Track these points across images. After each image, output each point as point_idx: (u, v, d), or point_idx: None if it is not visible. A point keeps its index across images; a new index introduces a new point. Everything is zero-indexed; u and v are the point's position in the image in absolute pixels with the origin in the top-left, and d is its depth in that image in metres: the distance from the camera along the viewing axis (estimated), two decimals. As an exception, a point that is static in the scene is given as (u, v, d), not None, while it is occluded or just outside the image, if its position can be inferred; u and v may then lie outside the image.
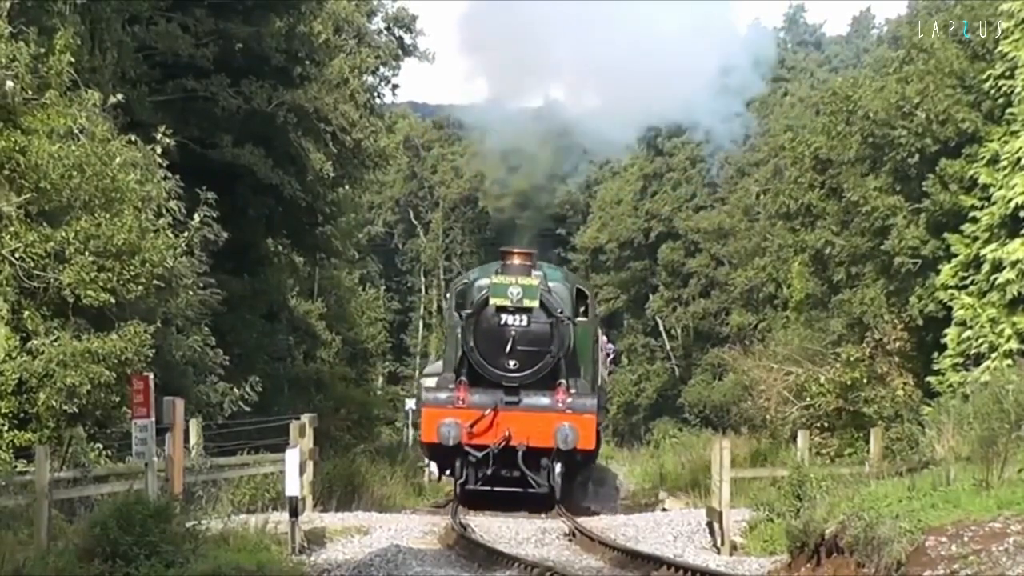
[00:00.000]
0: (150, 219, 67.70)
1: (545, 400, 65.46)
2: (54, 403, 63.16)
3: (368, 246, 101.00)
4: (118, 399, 63.71)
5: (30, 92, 67.19)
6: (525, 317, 64.86)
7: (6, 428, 64.08)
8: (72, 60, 69.29)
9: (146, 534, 44.23)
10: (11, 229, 64.44)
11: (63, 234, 64.69)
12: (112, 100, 70.43)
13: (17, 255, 64.58)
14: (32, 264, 64.56)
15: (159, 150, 70.66)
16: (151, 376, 59.89)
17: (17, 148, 65.14)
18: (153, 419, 57.15)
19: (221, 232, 75.93)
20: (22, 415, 64.36)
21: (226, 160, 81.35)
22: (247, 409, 75.66)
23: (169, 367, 66.10)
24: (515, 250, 70.32)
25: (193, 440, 61.64)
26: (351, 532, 51.34)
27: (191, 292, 72.56)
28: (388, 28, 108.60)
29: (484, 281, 76.50)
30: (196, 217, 72.69)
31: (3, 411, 63.90)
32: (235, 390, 76.76)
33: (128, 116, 69.44)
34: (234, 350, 77.66)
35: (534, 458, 60.72)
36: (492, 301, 64.16)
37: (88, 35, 70.80)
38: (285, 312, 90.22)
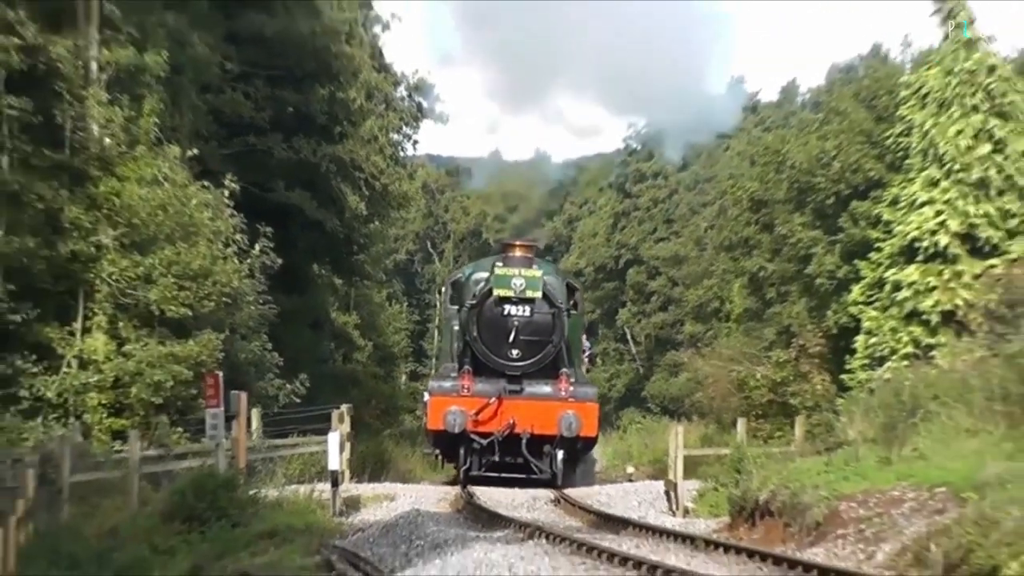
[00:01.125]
0: (220, 249, 68.32)
1: (548, 389, 60.61)
2: (144, 396, 63.88)
3: (393, 270, 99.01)
4: (195, 392, 64.33)
5: (123, 146, 67.84)
6: (528, 307, 60.24)
7: (105, 415, 65.17)
8: (157, 121, 69.81)
9: (216, 500, 44.66)
10: (109, 257, 65.13)
11: (150, 261, 65.29)
12: (189, 153, 71.43)
13: (113, 277, 65.15)
14: (125, 285, 65.16)
15: (226, 193, 71.42)
16: (220, 374, 60.33)
17: (113, 192, 65.76)
18: (222, 408, 57.61)
19: (276, 259, 76.88)
20: (118, 405, 65.35)
21: (280, 201, 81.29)
22: (297, 400, 76.75)
23: (235, 367, 66.46)
24: (517, 243, 65.21)
25: (254, 425, 62.03)
26: (380, 499, 52.22)
27: (252, 307, 73.31)
28: (410, 95, 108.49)
29: (481, 274, 70.05)
30: (256, 247, 73.60)
31: (103, 402, 65.23)
32: (287, 385, 78.35)
33: (201, 166, 69.96)
34: (286, 353, 77.99)
35: (537, 445, 56.22)
36: (496, 292, 59.19)
37: (169, 101, 71.37)
38: (327, 323, 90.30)
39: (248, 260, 72.26)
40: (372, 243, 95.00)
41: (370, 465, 68.02)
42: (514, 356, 51.25)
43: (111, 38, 69.16)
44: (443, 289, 68.43)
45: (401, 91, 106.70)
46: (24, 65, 62.97)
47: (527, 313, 52.33)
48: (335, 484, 52.83)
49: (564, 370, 58.09)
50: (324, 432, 59.92)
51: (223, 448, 55.58)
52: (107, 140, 67.23)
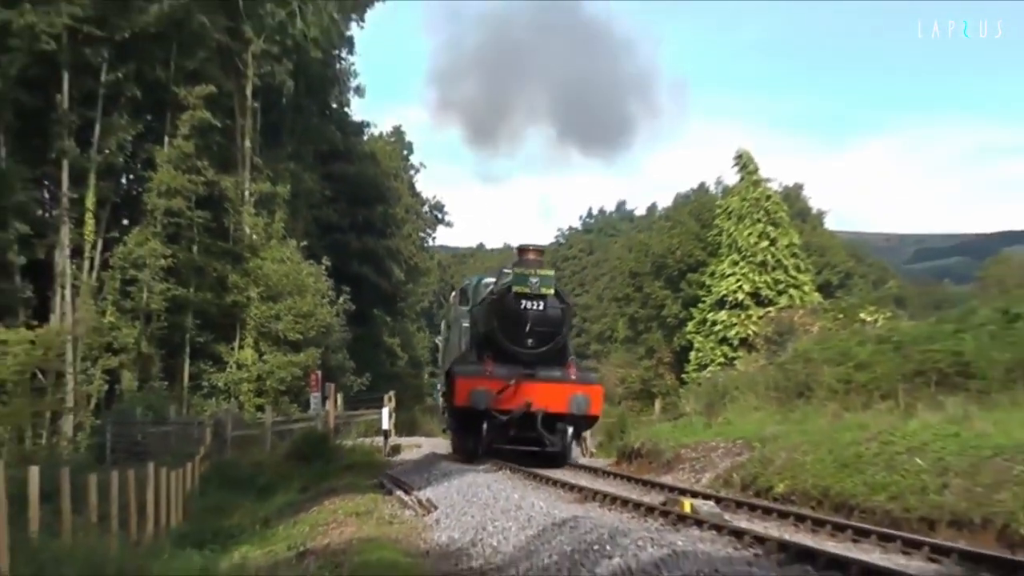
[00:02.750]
0: (319, 299, 68.45)
1: (558, 373, 46.96)
2: (273, 385, 64.79)
3: (420, 312, 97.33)
4: (303, 384, 63.87)
5: (263, 240, 68.39)
6: (541, 303, 46.45)
7: (251, 397, 65.26)
8: (283, 225, 70.54)
9: (317, 447, 45.54)
10: (254, 304, 65.89)
11: (279, 306, 66.11)
12: (301, 244, 71.44)
13: (257, 316, 66.02)
14: (263, 320, 65.80)
15: (323, 267, 71.03)
16: (319, 373, 61.00)
17: (257, 267, 66.71)
18: (320, 393, 58.34)
19: (352, 306, 75.36)
20: (259, 391, 65.40)
21: (354, 272, 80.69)
22: (364, 388, 74.91)
23: (327, 369, 66.99)
24: (531, 247, 50.35)
25: (338, 403, 62.32)
26: (412, 447, 52.97)
27: (337, 334, 73.11)
28: (430, 210, 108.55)
29: (488, 279, 54.09)
30: (340, 299, 72.63)
31: (250, 389, 65.41)
32: (358, 380, 76.96)
33: (309, 251, 70.58)
34: (357, 361, 78.22)
35: (550, 422, 44.84)
36: (515, 288, 45.66)
37: (290, 214, 72.16)
38: (381, 343, 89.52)
39: (335, 306, 71.77)
40: (408, 296, 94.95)
41: (405, 427, 66.96)
42: (529, 345, 43.08)
43: (256, 176, 69.91)
44: (452, 296, 55.99)
45: (426, 208, 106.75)
46: (206, 192, 63.77)
47: (541, 307, 43.80)
48: (385, 437, 53.52)
49: (571, 358, 47.64)
50: (380, 407, 60.39)
51: (320, 417, 56.32)
52: (254, 236, 68.15)
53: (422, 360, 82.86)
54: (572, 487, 28.77)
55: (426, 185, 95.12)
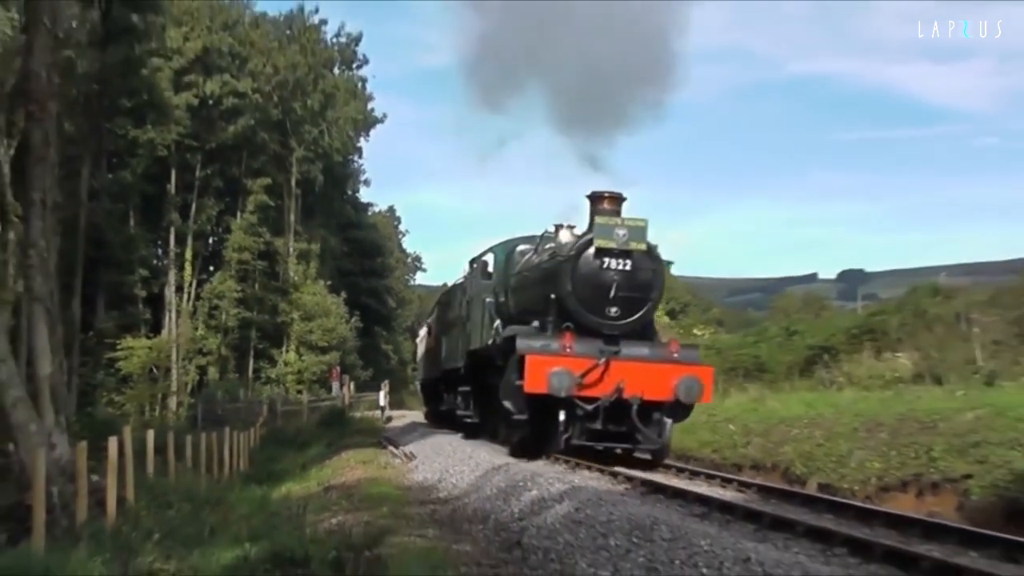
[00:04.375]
0: (338, 320, 68.11)
1: (651, 350, 24.12)
2: (308, 377, 64.99)
3: (405, 329, 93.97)
4: (328, 375, 64.23)
5: (301, 281, 68.76)
6: (629, 261, 23.59)
7: (294, 384, 64.27)
8: (315, 270, 70.69)
9: (337, 418, 45.59)
10: (296, 322, 65.90)
11: (312, 324, 66.03)
12: (327, 283, 71.16)
13: (297, 331, 66.12)
14: (302, 334, 66.02)
15: (342, 298, 70.82)
16: (338, 368, 62.04)
17: (299, 298, 67.06)
18: (339, 382, 59.29)
19: (360, 324, 74.75)
20: (299, 380, 64.82)
21: (364, 302, 79.67)
22: (368, 379, 73.52)
23: (345, 365, 66.82)
24: (606, 193, 24.80)
25: (352, 389, 62.17)
26: (400, 417, 51.39)
27: (351, 343, 72.48)
28: (412, 261, 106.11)
29: (526, 246, 28.99)
30: (353, 320, 72.06)
31: (292, 380, 64.80)
32: (365, 372, 76.05)
33: (332, 288, 69.81)
34: (364, 361, 77.46)
35: (646, 413, 23.24)
36: (597, 242, 23.28)
37: (320, 262, 71.70)
38: (380, 349, 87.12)
39: (349, 324, 71.27)
40: (398, 318, 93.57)
41: (395, 405, 64.73)
42: (612, 314, 23.80)
43: (298, 238, 70.02)
44: (465, 273, 35.35)
45: (409, 259, 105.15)
46: (264, 249, 64.32)
47: (628, 267, 23.86)
48: (382, 411, 53.65)
49: (659, 330, 29.51)
50: (378, 391, 60.70)
51: (340, 398, 57.19)
52: (295, 278, 68.52)
53: (407, 360, 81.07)
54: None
55: (409, 243, 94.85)
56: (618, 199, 21.59)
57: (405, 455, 27.22)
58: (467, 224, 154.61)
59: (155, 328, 58.35)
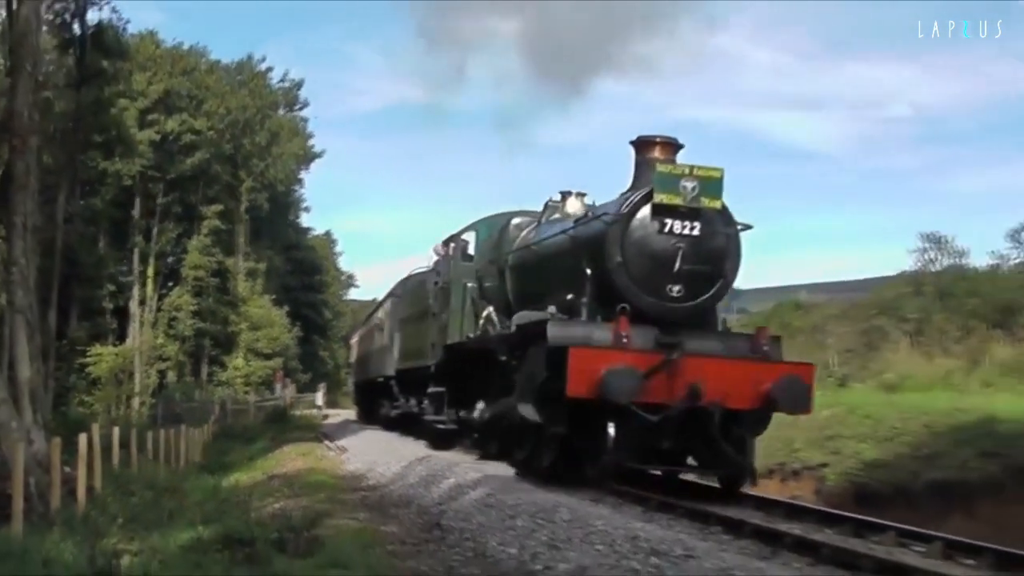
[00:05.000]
0: (282, 330, 67.70)
1: (733, 343, 14.27)
2: (254, 381, 64.27)
3: (340, 338, 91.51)
4: (272, 378, 63.79)
5: (249, 295, 68.03)
6: (697, 224, 13.62)
7: (243, 386, 63.16)
8: (261, 286, 70.03)
9: (280, 416, 45.33)
10: (244, 332, 65.14)
11: (259, 333, 65.25)
12: (272, 297, 70.25)
13: (246, 340, 65.42)
14: (250, 342, 65.39)
15: (285, 311, 70.24)
16: (282, 371, 61.76)
17: (247, 310, 66.58)
18: (282, 384, 59.00)
19: (301, 333, 73.83)
20: (247, 383, 63.59)
21: (303, 314, 78.09)
22: (307, 382, 73.12)
23: (287, 369, 66.31)
24: (658, 138, 14.61)
25: (293, 390, 61.87)
26: (335, 415, 50.77)
27: (292, 350, 71.68)
28: (346, 279, 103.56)
29: (523, 219, 19.49)
30: (294, 329, 71.29)
31: (241, 382, 63.85)
32: (304, 376, 75.20)
33: (277, 301, 68.99)
34: (304, 365, 77.01)
35: (727, 425, 13.11)
36: (657, 197, 13.39)
37: (266, 280, 71.07)
38: (318, 356, 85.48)
39: (291, 333, 70.63)
40: (333, 328, 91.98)
41: (331, 404, 63.92)
42: (674, 294, 13.62)
43: (246, 258, 69.36)
44: (438, 254, 23.58)
45: (343, 277, 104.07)
46: (217, 267, 63.73)
47: (696, 231, 13.63)
48: (319, 409, 53.70)
49: (723, 316, 15.66)
50: (316, 392, 60.76)
51: (282, 398, 56.91)
52: (244, 293, 67.84)
53: (341, 365, 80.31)
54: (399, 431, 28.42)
55: (344, 262, 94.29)
56: (673, 146, 14.51)
57: (339, 448, 27.01)
58: (400, 244, 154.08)
59: (121, 337, 58.27)
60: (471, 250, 21.19)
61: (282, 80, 75.72)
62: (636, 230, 13.82)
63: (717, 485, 14.40)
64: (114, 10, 44.24)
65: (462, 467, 16.58)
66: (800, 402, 13.44)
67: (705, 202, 13.57)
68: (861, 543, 10.50)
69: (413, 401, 25.95)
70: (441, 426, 21.39)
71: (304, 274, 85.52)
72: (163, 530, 11.52)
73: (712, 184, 13.63)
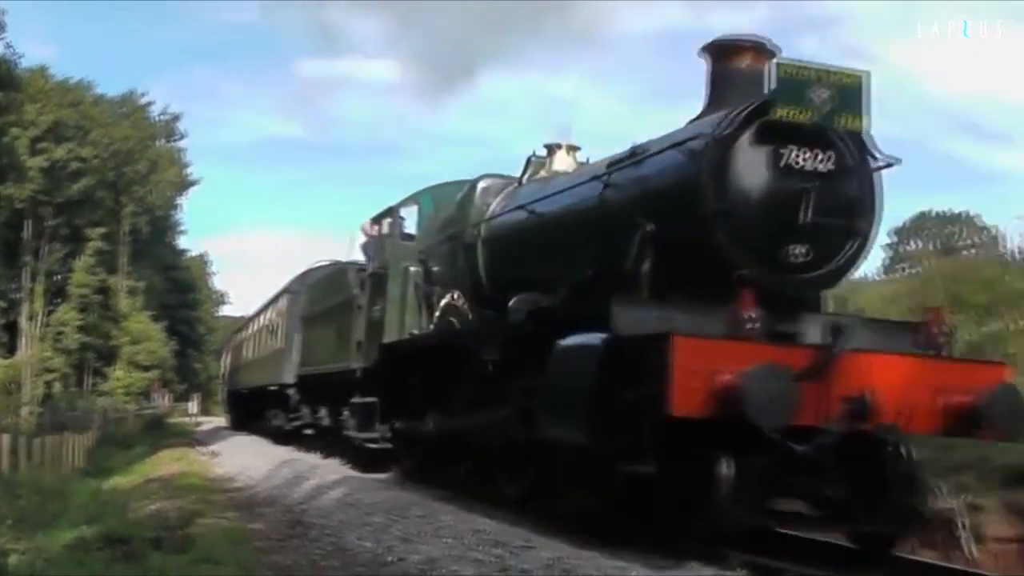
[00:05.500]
0: (159, 344, 66.72)
1: (894, 332, 7.25)
2: (134, 391, 62.45)
3: (213, 351, 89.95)
4: (150, 388, 62.63)
5: (130, 311, 66.50)
6: (831, 154, 6.71)
7: (123, 396, 60.87)
8: (142, 302, 68.80)
9: (157, 423, 44.75)
10: (125, 345, 64.14)
11: (139, 347, 64.35)
12: (151, 314, 69.16)
13: (127, 353, 64.23)
14: (131, 355, 64.32)
15: (163, 326, 69.27)
16: (159, 382, 60.55)
17: (128, 326, 65.02)
18: (159, 394, 57.83)
19: (177, 347, 73.58)
20: (127, 393, 61.57)
21: (179, 329, 77.66)
22: (182, 392, 72.43)
23: (164, 380, 65.60)
24: (745, 41, 8.12)
25: (169, 400, 61.26)
26: (207, 423, 50.18)
27: (169, 362, 70.78)
28: (219, 296, 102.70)
29: (494, 182, 12.77)
30: (171, 343, 70.25)
31: (121, 392, 61.66)
32: (180, 387, 74.59)
33: (155, 318, 68.25)
34: (181, 376, 76.78)
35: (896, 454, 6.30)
36: (780, 111, 6.42)
37: (146, 297, 69.84)
38: (192, 368, 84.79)
39: (168, 347, 69.47)
40: (206, 344, 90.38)
41: (204, 412, 63.46)
42: (797, 258, 6.71)
43: (128, 276, 67.95)
44: (367, 234, 16.78)
45: (216, 295, 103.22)
46: (101, 285, 62.33)
47: (831, 166, 6.60)
48: (193, 417, 53.10)
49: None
50: (189, 401, 59.88)
51: (159, 407, 55.92)
52: (125, 310, 66.50)
53: (214, 376, 79.46)
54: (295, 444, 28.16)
55: (218, 281, 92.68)
56: (766, 52, 8.73)
57: (211, 453, 26.55)
58: (273, 265, 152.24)
59: (11, 350, 57.21)
60: (410, 228, 15.92)
61: (162, 113, 75.48)
62: (740, 163, 8.05)
63: (851, 545, 8.59)
64: (8, 45, 44.81)
65: (324, 469, 16.39)
66: (1016, 424, 7.64)
67: (844, 121, 7.88)
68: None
69: (324, 411, 19.94)
70: (372, 444, 15.67)
71: (180, 292, 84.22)
72: (48, 530, 11.31)
73: (851, 95, 7.89)
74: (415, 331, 14.28)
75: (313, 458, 19.37)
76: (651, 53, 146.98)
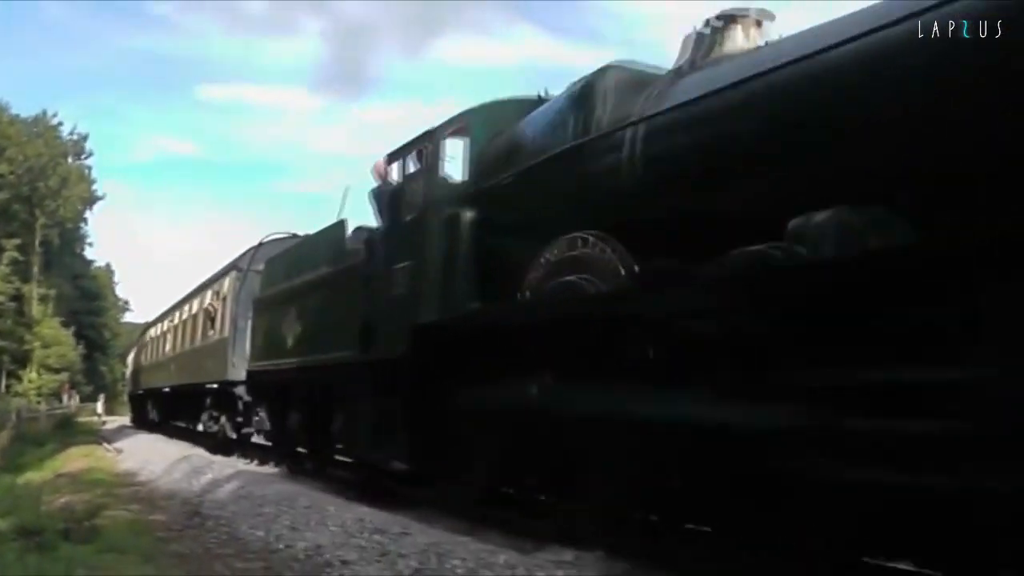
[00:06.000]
0: (69, 348, 65.24)
1: None
2: (46, 391, 60.18)
3: (119, 355, 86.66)
4: (60, 389, 60.74)
5: (42, 317, 64.87)
6: None
7: (35, 396, 57.84)
8: (53, 309, 67.15)
9: (67, 422, 43.40)
10: (37, 349, 62.32)
11: (49, 351, 62.73)
12: (62, 320, 67.35)
13: (39, 357, 62.67)
14: (42, 359, 62.89)
15: (72, 331, 67.54)
16: (68, 383, 58.95)
17: (40, 332, 63.41)
18: (69, 394, 56.21)
19: (85, 351, 72.06)
20: (39, 394, 58.85)
21: (86, 334, 76.09)
22: (90, 392, 70.00)
23: (73, 382, 64.01)
24: None
25: (78, 400, 60.05)
26: (113, 422, 48.20)
27: (77, 365, 69.48)
28: (123, 304, 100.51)
29: (625, 73, 6.56)
30: (79, 347, 68.92)
31: (34, 393, 59.02)
32: (88, 388, 72.76)
33: (65, 323, 66.68)
34: (89, 378, 74.95)
35: None
36: None
37: (56, 304, 67.94)
38: (99, 371, 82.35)
39: (76, 351, 68.01)
40: (112, 348, 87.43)
41: (110, 411, 61.48)
42: None
43: (40, 284, 65.93)
44: (382, 177, 9.91)
45: (121, 304, 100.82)
46: (15, 292, 60.73)
47: None
48: (100, 416, 51.91)
49: None
50: (97, 401, 58.45)
51: (68, 407, 54.37)
52: (37, 316, 64.71)
53: (119, 378, 77.45)
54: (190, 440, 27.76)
55: (121, 290, 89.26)
56: None
57: (116, 450, 26.01)
58: (174, 275, 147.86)
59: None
60: (450, 169, 9.73)
61: (71, 133, 74.27)
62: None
63: None
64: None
65: (219, 464, 16.22)
66: None
67: None
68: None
69: (296, 417, 14.07)
70: (398, 464, 10.46)
71: (88, 300, 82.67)
72: (-36, 524, 11.14)
73: None
74: (473, 305, 8.74)
75: (208, 454, 19.12)
76: None
